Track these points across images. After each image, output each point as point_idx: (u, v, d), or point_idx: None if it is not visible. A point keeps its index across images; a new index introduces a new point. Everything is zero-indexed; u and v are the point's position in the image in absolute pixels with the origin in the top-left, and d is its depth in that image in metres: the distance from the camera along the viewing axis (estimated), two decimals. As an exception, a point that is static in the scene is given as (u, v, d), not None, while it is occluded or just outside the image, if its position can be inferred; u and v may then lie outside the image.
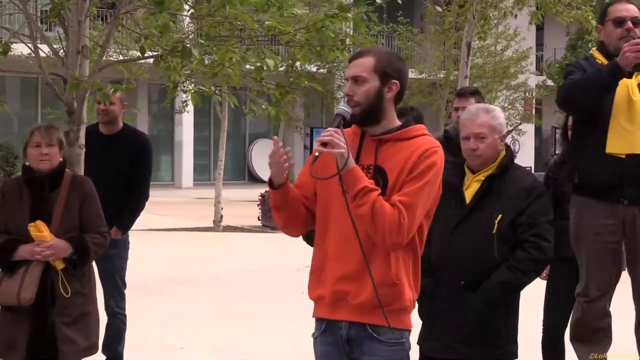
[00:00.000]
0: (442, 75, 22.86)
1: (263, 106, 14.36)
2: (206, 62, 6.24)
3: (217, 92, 7.28)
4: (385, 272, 3.30)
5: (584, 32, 20.86)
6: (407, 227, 3.23)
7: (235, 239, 15.54)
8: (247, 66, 6.05)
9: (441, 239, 4.26)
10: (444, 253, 4.28)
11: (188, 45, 5.25)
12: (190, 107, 18.12)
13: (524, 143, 29.23)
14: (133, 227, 6.24)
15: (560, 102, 4.87)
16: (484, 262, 4.21)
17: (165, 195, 23.02)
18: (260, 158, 28.87)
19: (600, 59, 4.88)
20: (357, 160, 3.35)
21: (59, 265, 4.61)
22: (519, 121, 25.42)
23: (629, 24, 4.82)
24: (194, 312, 8.66)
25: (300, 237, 3.77)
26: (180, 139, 28.32)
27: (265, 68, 5.69)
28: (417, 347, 4.36)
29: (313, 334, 3.51)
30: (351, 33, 6.46)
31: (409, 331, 3.44)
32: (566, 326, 5.34)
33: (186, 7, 6.09)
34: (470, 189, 4.34)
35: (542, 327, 5.52)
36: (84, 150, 5.53)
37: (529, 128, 28.76)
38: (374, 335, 3.34)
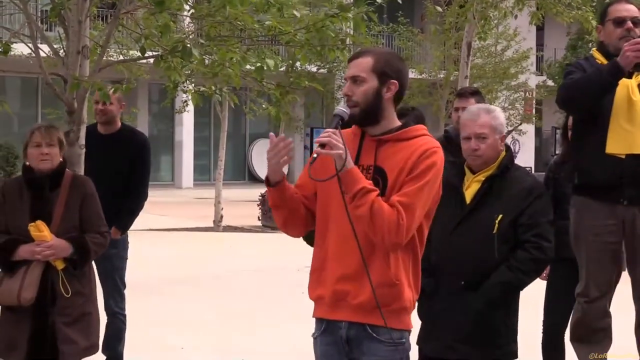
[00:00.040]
0: (442, 76, 22.87)
1: (263, 106, 14.36)
2: (206, 62, 6.24)
3: (217, 91, 7.27)
4: (384, 272, 3.30)
5: (584, 33, 20.84)
6: (405, 228, 3.22)
7: (236, 239, 15.53)
8: (248, 66, 6.05)
9: (441, 239, 4.26)
10: (444, 253, 4.28)
11: (188, 45, 5.25)
12: (191, 107, 18.13)
13: (524, 143, 29.24)
14: (133, 227, 6.24)
15: (560, 102, 4.86)
16: (485, 262, 4.21)
17: (166, 195, 23.03)
18: (261, 158, 28.86)
19: (600, 59, 4.88)
20: (357, 160, 3.35)
21: (60, 265, 4.61)
22: (519, 121, 25.41)
23: (629, 24, 4.82)
24: (194, 312, 8.66)
25: (300, 237, 3.77)
26: (181, 139, 28.32)
27: (265, 68, 5.69)
28: (417, 347, 4.36)
29: (313, 334, 3.51)
30: (351, 33, 6.45)
31: (409, 331, 3.44)
32: (566, 326, 5.34)
33: (186, 7, 6.09)
34: (470, 189, 4.34)
35: (542, 327, 5.52)
36: (84, 150, 5.53)
37: (529, 128, 28.75)
38: (374, 335, 3.34)
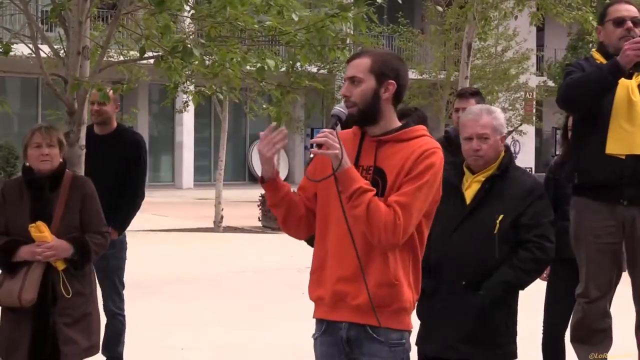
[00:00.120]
0: (442, 76, 22.87)
1: (264, 106, 14.36)
2: (207, 62, 6.24)
3: (218, 90, 7.28)
4: (383, 272, 3.29)
5: (584, 33, 20.83)
6: (402, 228, 3.22)
7: (236, 240, 15.53)
8: (248, 67, 6.05)
9: (442, 239, 4.25)
10: (444, 253, 4.28)
11: (189, 45, 5.25)
12: (191, 107, 18.13)
13: (524, 144, 29.24)
14: (133, 228, 6.23)
15: (560, 101, 4.86)
16: (485, 262, 4.21)
17: (166, 195, 23.04)
18: (261, 159, 28.81)
19: (600, 59, 4.87)
20: (357, 161, 3.35)
21: (60, 266, 4.61)
22: (519, 122, 25.40)
23: (629, 24, 4.82)
24: (194, 312, 8.66)
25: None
26: (181, 140, 28.32)
27: (266, 69, 5.69)
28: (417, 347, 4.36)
29: (313, 335, 3.51)
30: (352, 33, 6.45)
31: (409, 332, 3.44)
32: (566, 327, 5.34)
33: (187, 7, 6.09)
34: (471, 189, 4.34)
35: (542, 327, 5.52)
36: (84, 150, 5.53)
37: (530, 129, 28.74)
38: (374, 336, 3.34)
